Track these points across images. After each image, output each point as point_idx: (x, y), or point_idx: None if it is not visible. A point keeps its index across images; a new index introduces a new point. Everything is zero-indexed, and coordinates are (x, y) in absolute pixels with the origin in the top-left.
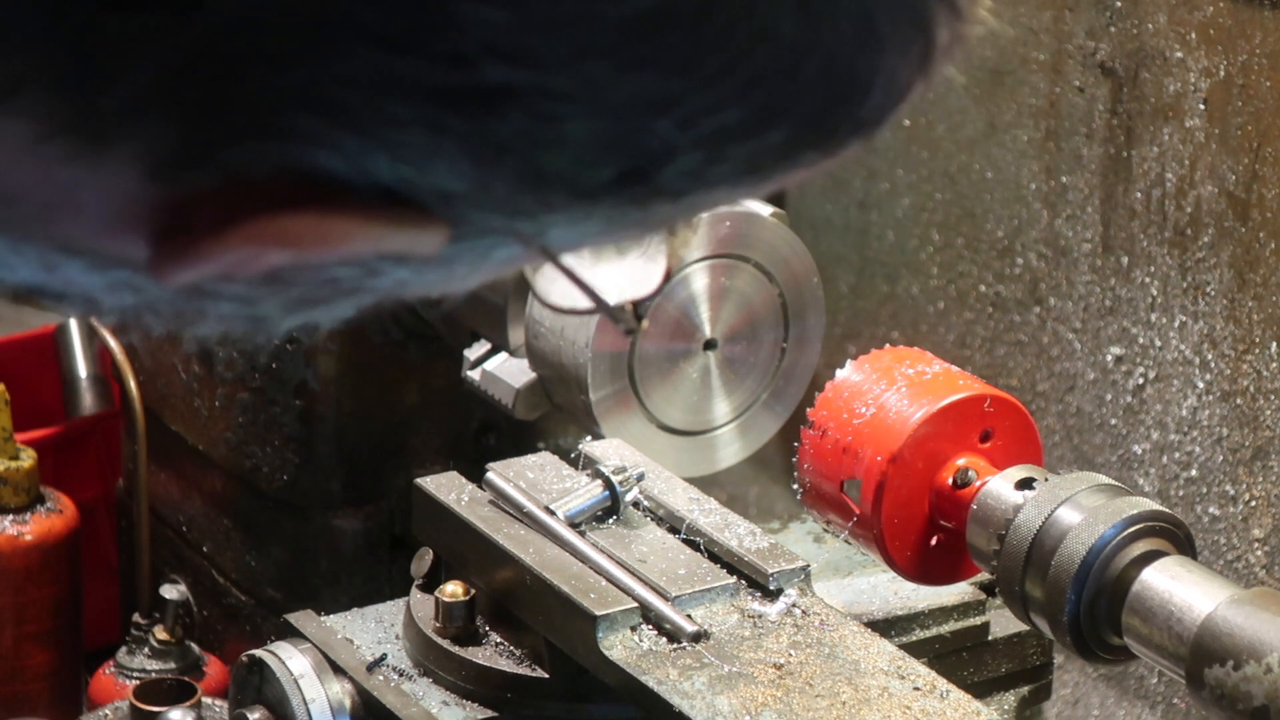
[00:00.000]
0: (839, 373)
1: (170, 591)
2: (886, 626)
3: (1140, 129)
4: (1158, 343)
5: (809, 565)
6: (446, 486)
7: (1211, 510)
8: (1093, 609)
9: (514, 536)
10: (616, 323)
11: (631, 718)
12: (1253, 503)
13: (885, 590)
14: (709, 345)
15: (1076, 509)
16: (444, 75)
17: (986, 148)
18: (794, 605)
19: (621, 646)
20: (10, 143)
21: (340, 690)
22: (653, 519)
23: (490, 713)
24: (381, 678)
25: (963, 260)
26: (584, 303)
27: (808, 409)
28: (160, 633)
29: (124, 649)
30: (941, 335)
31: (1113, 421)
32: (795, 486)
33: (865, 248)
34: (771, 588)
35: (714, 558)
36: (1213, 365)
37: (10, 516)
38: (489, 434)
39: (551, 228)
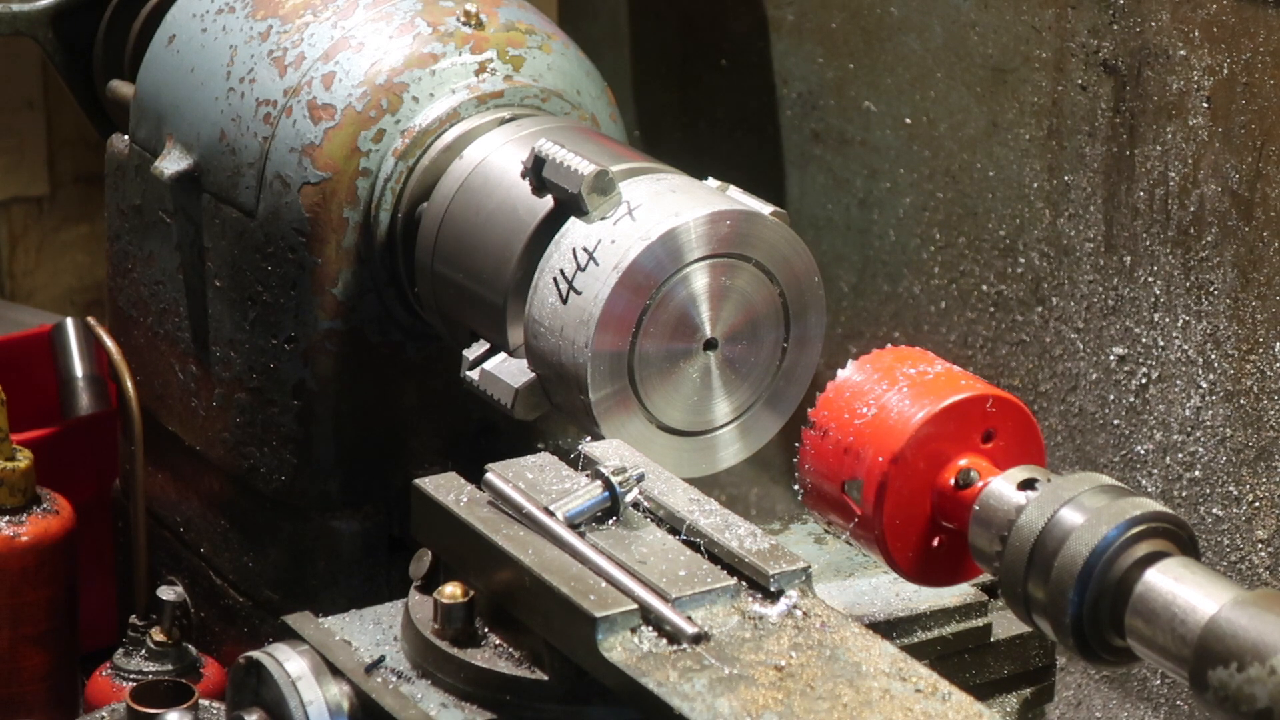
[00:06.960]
0: (840, 373)
1: (167, 593)
2: (888, 628)
3: (1143, 127)
4: (1161, 342)
5: (810, 566)
6: (445, 487)
7: (1215, 511)
8: (1095, 610)
9: (513, 538)
10: None
11: None
12: (1256, 504)
13: (887, 592)
14: (709, 345)
15: (1079, 510)
16: None
17: (988, 146)
18: (795, 607)
19: (621, 648)
20: None
21: (338, 692)
22: (653, 520)
23: (489, 715)
24: (380, 679)
25: (965, 259)
26: None
27: (809, 409)
28: (157, 634)
29: (121, 650)
30: (943, 335)
31: (1115, 422)
32: (796, 487)
33: (867, 247)
34: (772, 589)
35: (714, 559)
36: (1216, 365)
37: (6, 517)
38: (488, 434)
39: None
